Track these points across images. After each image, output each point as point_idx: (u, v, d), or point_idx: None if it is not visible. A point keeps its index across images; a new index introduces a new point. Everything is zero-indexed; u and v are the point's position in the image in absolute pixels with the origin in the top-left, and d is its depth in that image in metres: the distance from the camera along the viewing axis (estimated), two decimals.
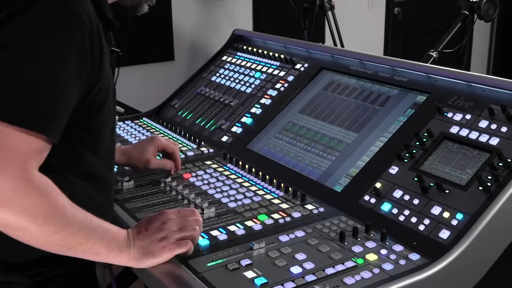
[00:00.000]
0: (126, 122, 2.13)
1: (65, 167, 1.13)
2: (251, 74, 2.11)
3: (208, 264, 1.16)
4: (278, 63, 2.07)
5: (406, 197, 1.34)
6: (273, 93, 1.95)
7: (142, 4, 1.36)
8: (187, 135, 1.95)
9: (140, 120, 2.15)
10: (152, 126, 2.08)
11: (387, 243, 1.24)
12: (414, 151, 1.44)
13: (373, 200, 1.39)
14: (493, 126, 1.38)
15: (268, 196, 1.49)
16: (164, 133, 2.00)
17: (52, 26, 1.01)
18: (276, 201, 1.46)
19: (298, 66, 2.00)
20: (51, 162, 1.04)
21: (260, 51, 2.17)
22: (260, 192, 1.51)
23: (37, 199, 0.97)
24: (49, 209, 0.99)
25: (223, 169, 1.67)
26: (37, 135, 0.97)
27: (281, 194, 1.50)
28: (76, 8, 1.05)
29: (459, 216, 1.24)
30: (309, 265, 1.15)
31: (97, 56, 1.09)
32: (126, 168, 1.67)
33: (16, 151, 0.95)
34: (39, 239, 1.00)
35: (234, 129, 1.89)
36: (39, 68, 0.99)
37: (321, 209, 1.42)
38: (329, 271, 1.13)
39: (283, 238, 1.26)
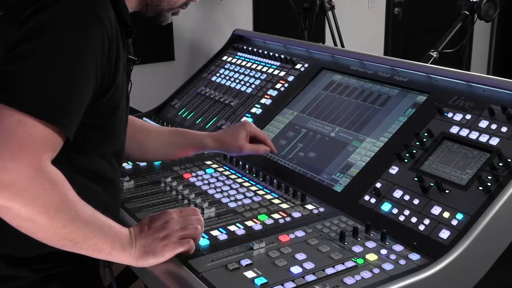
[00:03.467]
0: None
1: (73, 166, 1.14)
2: (251, 74, 2.11)
3: (208, 264, 1.16)
4: (278, 63, 2.08)
5: (406, 197, 1.34)
6: (273, 93, 1.95)
7: (164, 13, 1.34)
8: None
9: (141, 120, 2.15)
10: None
11: (387, 243, 1.24)
12: (414, 151, 1.44)
13: (373, 200, 1.39)
14: (493, 126, 1.38)
15: (268, 196, 1.49)
16: None
17: (73, 24, 1.04)
18: (276, 201, 1.46)
19: (298, 66, 2.00)
20: (60, 161, 1.05)
21: (260, 51, 2.17)
22: (260, 192, 1.51)
23: (50, 190, 0.97)
24: (60, 201, 0.99)
25: (223, 169, 1.67)
26: (53, 128, 0.98)
27: (281, 194, 1.50)
28: (98, 9, 1.07)
29: (459, 216, 1.24)
30: (309, 265, 1.15)
31: (113, 58, 1.11)
32: (127, 168, 1.67)
33: (33, 141, 0.96)
34: (48, 231, 1.00)
35: None
36: (59, 63, 1.01)
37: (321, 209, 1.42)
38: (329, 271, 1.13)
39: (283, 238, 1.26)
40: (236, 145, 1.58)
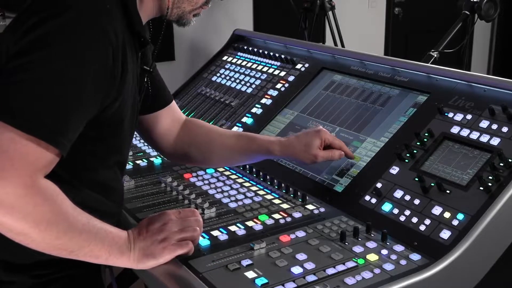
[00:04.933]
0: None
1: (75, 178, 1.13)
2: (251, 74, 2.11)
3: (209, 264, 1.16)
4: (278, 63, 2.07)
5: (407, 197, 1.34)
6: (274, 93, 1.95)
7: (186, 15, 1.28)
8: None
9: None
10: None
11: (387, 243, 1.24)
12: (414, 151, 1.43)
13: (373, 200, 1.39)
14: (494, 126, 1.38)
15: (268, 196, 1.49)
16: None
17: (75, 38, 1.00)
18: (276, 201, 1.46)
19: (298, 66, 2.00)
20: (63, 174, 1.04)
21: (260, 51, 2.17)
22: (261, 192, 1.51)
23: (41, 206, 0.97)
24: (52, 215, 0.98)
25: (223, 169, 1.66)
26: (47, 146, 0.96)
27: (282, 194, 1.50)
28: (103, 22, 1.03)
29: (460, 216, 1.24)
30: (310, 265, 1.15)
31: (119, 73, 1.07)
32: (127, 168, 1.66)
33: (25, 159, 0.94)
34: (41, 243, 1.00)
35: (234, 129, 1.89)
36: (58, 79, 0.98)
37: (322, 209, 1.42)
38: (330, 271, 1.13)
39: (284, 238, 1.26)
40: (310, 153, 1.44)
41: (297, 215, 1.38)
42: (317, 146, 1.45)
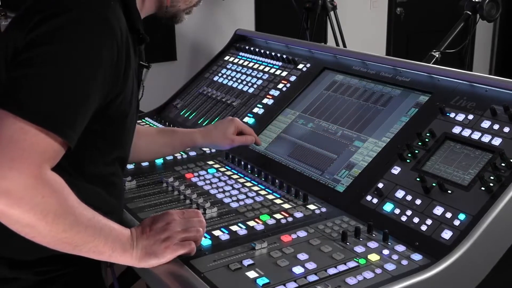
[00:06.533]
0: None
1: (78, 172, 1.14)
2: (253, 74, 2.11)
3: (210, 264, 1.16)
4: (280, 63, 2.08)
5: (408, 197, 1.34)
6: (275, 93, 1.95)
7: (180, 14, 1.35)
8: None
9: (142, 120, 2.15)
10: (154, 126, 2.08)
11: (389, 243, 1.24)
12: (416, 151, 1.43)
13: (375, 200, 1.39)
14: (496, 127, 1.38)
15: (270, 196, 1.49)
16: None
17: (82, 33, 1.03)
18: (278, 201, 1.46)
19: (300, 66, 2.00)
20: (65, 166, 1.05)
21: (262, 51, 2.17)
22: (262, 192, 1.51)
23: (49, 197, 0.97)
24: (59, 207, 0.99)
25: (225, 169, 1.67)
26: (55, 137, 0.98)
27: (283, 194, 1.50)
28: (109, 18, 1.06)
29: (461, 216, 1.24)
30: (311, 265, 1.15)
31: (122, 67, 1.10)
32: (129, 168, 1.67)
33: (34, 150, 0.95)
34: (47, 236, 1.00)
35: None
36: (66, 72, 1.00)
37: (323, 209, 1.42)
38: (331, 271, 1.13)
39: (285, 238, 1.26)
40: (228, 138, 1.65)
41: (298, 215, 1.38)
42: (232, 132, 1.67)
